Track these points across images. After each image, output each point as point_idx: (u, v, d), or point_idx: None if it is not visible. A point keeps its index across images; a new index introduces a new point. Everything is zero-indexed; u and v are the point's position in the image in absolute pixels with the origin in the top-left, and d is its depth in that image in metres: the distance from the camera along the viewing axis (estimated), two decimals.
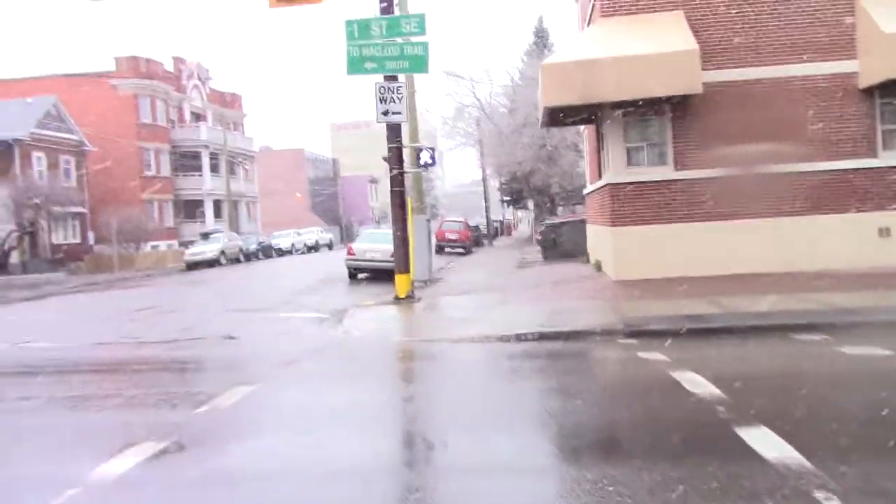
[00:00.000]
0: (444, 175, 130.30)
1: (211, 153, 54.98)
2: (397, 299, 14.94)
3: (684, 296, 12.65)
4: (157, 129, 51.84)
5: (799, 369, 7.50)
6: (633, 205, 15.14)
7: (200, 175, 54.50)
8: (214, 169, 55.48)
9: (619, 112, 15.13)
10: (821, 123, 14.54)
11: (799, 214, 14.65)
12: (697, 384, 6.62)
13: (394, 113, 14.47)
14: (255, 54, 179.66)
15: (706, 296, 12.46)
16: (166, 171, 52.71)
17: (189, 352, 10.78)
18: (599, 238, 17.89)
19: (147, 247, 45.86)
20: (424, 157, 14.79)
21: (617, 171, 15.34)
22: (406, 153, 16.96)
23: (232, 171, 58.15)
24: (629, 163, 15.42)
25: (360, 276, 22.66)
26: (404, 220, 15.00)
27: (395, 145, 14.75)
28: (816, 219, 14.57)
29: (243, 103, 67.37)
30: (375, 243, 21.61)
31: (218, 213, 55.15)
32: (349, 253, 22.70)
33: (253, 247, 45.57)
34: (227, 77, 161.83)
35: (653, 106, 14.89)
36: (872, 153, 14.59)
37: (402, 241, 15.05)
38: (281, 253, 49.00)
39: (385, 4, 14.73)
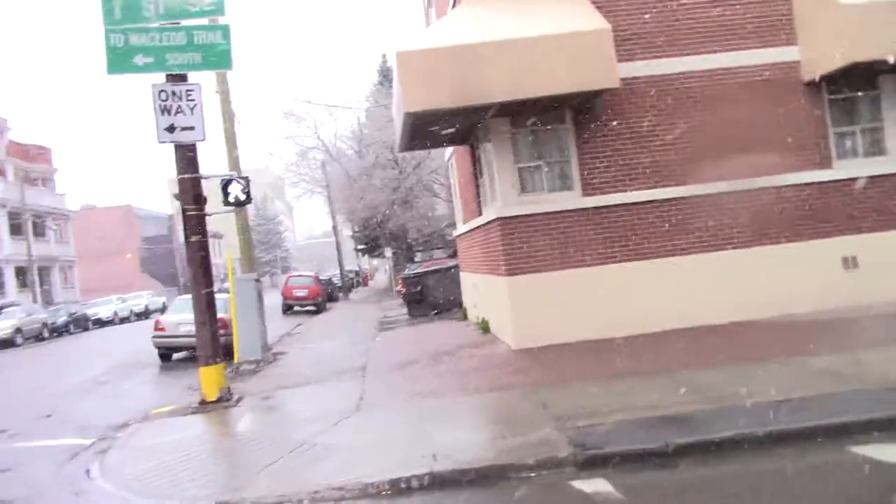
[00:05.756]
0: (295, 226, 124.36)
1: (9, 213, 46.58)
2: (204, 404, 9.98)
3: (630, 372, 8.67)
4: None
5: None
6: (532, 245, 11.09)
7: None
8: (16, 231, 47.00)
9: (506, 120, 11.14)
10: (760, 128, 11.22)
11: (744, 246, 11.19)
12: None
13: (184, 129, 9.69)
14: (76, 107, 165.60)
15: (660, 371, 8.55)
16: None
17: None
18: (485, 291, 13.70)
19: None
20: (235, 190, 9.99)
21: (507, 201, 11.27)
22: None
23: (41, 232, 49.82)
24: (523, 189, 11.41)
25: (177, 356, 17.32)
26: (209, 284, 10.10)
27: (189, 175, 9.87)
28: (766, 250, 11.16)
29: (53, 157, 58.75)
30: (191, 314, 16.21)
31: (25, 283, 46.65)
32: (157, 328, 17.27)
33: (62, 319, 38.01)
34: (39, 130, 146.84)
35: (552, 111, 11.02)
36: (826, 163, 11.41)
37: (206, 314, 10.13)
38: (101, 324, 41.58)
39: None
